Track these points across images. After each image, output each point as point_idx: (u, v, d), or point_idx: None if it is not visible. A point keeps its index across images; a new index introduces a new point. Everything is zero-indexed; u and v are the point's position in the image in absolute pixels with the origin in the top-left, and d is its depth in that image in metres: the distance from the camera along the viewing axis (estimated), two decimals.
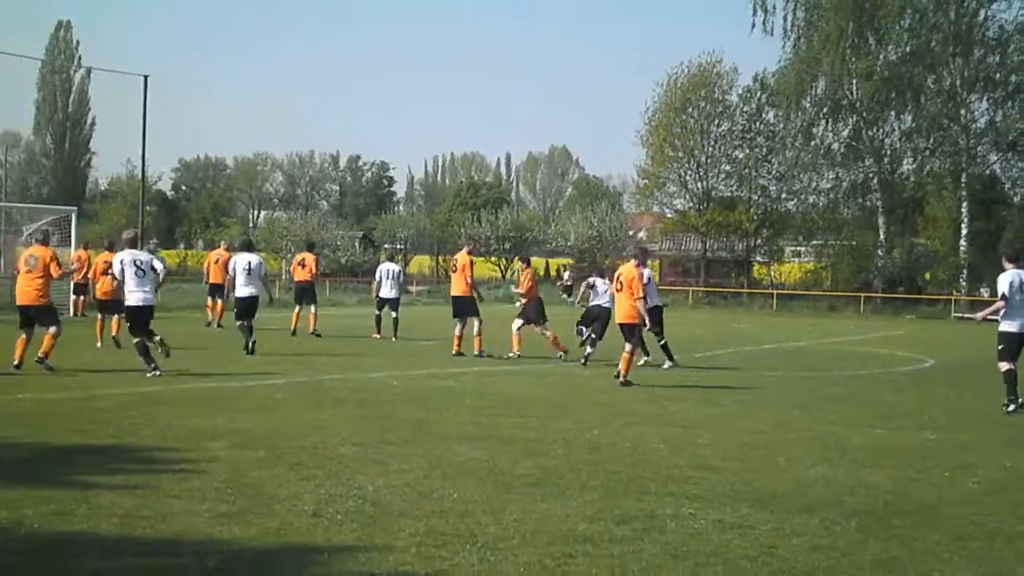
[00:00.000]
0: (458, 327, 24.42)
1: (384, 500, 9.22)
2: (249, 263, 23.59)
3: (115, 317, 23.87)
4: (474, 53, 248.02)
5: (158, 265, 19.69)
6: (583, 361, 22.32)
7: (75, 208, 42.94)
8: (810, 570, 7.61)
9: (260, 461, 10.83)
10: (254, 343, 22.85)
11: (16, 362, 18.68)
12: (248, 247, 24.93)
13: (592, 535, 8.28)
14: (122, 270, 18.93)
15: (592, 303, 23.57)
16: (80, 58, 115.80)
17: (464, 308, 24.50)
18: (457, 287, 24.77)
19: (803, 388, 20.07)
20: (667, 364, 22.44)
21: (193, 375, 18.58)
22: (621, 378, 19.13)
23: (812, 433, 14.13)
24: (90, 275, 27.43)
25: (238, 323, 23.56)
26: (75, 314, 33.97)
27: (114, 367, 19.77)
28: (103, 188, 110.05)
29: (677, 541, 8.20)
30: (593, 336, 22.91)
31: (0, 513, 8.36)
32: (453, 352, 23.95)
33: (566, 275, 59.17)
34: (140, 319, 18.99)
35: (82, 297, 34.42)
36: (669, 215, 77.46)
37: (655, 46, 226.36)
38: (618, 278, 19.72)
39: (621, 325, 19.69)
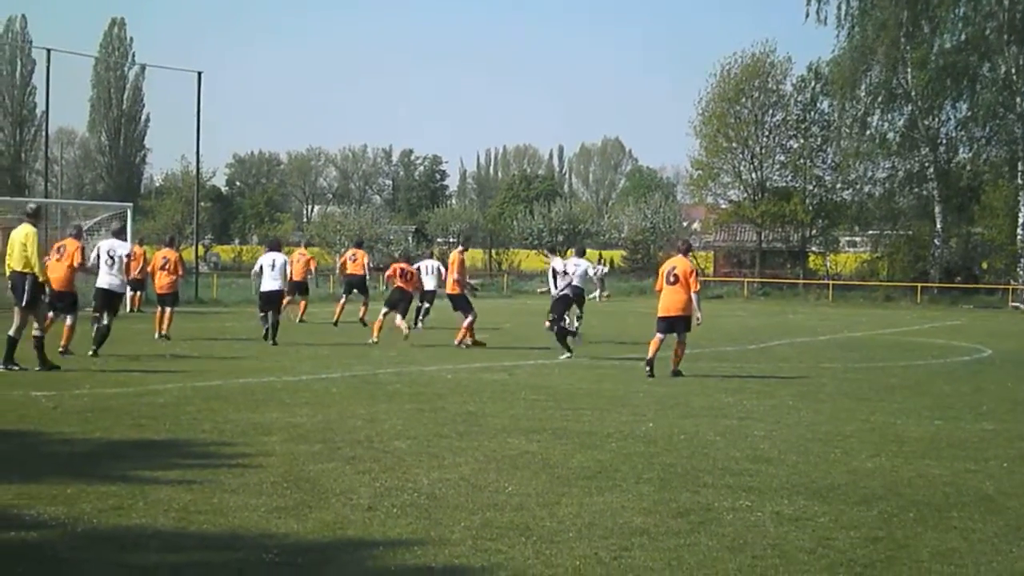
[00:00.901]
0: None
1: (439, 493, 9.23)
2: (274, 260, 25.00)
3: (168, 311, 24.81)
4: (526, 45, 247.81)
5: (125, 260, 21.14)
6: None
7: (131, 204, 43.21)
8: (868, 562, 7.55)
9: (316, 455, 10.87)
10: (273, 332, 24.29)
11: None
12: (276, 246, 26.36)
13: (648, 528, 8.26)
14: (98, 256, 20.79)
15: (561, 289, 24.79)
16: (134, 55, 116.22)
17: (456, 304, 25.00)
18: (447, 285, 25.47)
19: (860, 379, 19.93)
20: (564, 356, 22.03)
21: (249, 370, 18.64)
22: (672, 367, 19.24)
23: (869, 424, 14.04)
24: (148, 270, 28.12)
25: (261, 315, 24.83)
26: (132, 310, 34.25)
27: (170, 362, 19.91)
28: (158, 184, 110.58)
29: (734, 534, 8.16)
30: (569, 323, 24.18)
31: (59, 508, 8.43)
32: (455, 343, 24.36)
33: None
34: (108, 301, 20.76)
35: (139, 293, 34.69)
36: (723, 206, 76.93)
37: (708, 36, 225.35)
38: (672, 271, 19.36)
39: (677, 318, 19.31)
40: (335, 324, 29.52)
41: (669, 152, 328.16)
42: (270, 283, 24.86)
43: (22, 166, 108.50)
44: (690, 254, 20.50)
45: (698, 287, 19.29)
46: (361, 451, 11.11)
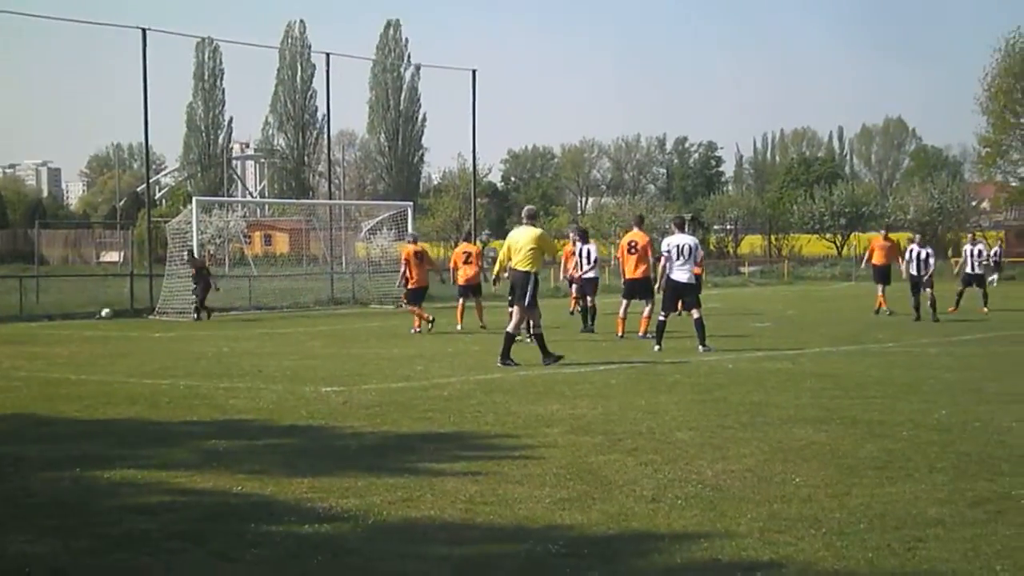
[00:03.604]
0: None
1: (724, 485, 9.08)
2: (589, 251, 26.37)
3: (477, 301, 27.42)
4: (802, 26, 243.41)
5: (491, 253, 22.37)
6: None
7: (411, 203, 44.36)
8: None
9: (597, 446, 10.86)
10: (592, 317, 25.67)
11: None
12: (584, 236, 27.51)
13: (943, 518, 7.94)
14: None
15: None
16: (410, 56, 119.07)
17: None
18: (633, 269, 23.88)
19: None
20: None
21: (529, 363, 18.73)
22: None
23: None
24: (449, 266, 29.60)
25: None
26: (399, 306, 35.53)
27: (452, 356, 20.27)
28: (436, 182, 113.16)
29: None
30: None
31: (350, 501, 8.62)
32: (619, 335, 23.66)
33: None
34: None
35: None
36: (1013, 184, 74.18)
37: (990, 11, 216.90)
38: None
39: None
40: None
41: (955, 130, 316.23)
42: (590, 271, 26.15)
43: (306, 169, 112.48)
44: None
45: None
46: (643, 442, 11.05)
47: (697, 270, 22.57)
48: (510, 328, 18.76)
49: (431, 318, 26.24)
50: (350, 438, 11.72)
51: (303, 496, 8.85)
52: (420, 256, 26.86)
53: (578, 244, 26.32)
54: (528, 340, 19.60)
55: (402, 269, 27.27)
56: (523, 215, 19.66)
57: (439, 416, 12.96)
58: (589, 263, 25.96)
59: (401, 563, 7.10)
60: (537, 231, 19.02)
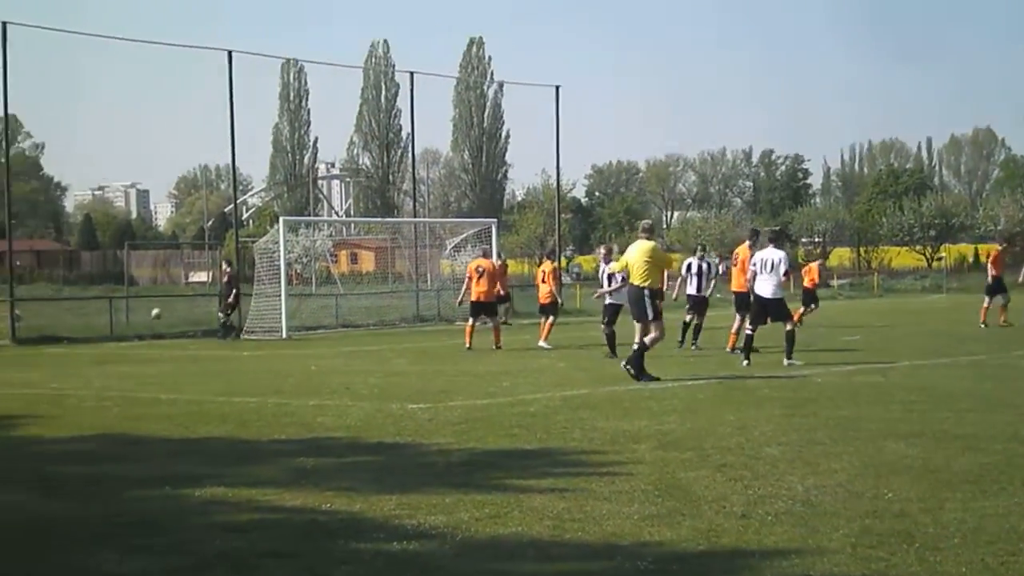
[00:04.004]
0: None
1: (815, 500, 8.97)
2: (711, 266, 26.50)
3: (550, 320, 27.16)
4: (889, 36, 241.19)
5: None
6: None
7: (495, 220, 44.40)
8: None
9: (686, 462, 10.77)
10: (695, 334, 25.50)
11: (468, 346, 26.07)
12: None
13: None
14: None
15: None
16: (492, 73, 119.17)
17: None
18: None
19: None
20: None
21: (616, 378, 18.65)
22: None
23: None
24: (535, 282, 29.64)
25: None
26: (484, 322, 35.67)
27: (535, 373, 20.24)
28: (520, 199, 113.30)
29: None
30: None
31: (438, 518, 8.62)
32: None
33: None
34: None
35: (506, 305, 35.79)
36: None
37: None
38: None
39: None
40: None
41: None
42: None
43: (390, 187, 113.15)
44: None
45: None
46: (732, 458, 10.95)
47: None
48: (648, 341, 18.47)
49: (469, 345, 26.25)
50: (437, 455, 11.74)
51: (391, 513, 8.86)
52: (481, 271, 26.85)
53: (695, 262, 25.93)
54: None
55: (465, 283, 27.78)
56: (640, 229, 19.59)
57: (525, 432, 12.94)
58: (708, 283, 25.88)
59: None
60: (650, 244, 18.84)
